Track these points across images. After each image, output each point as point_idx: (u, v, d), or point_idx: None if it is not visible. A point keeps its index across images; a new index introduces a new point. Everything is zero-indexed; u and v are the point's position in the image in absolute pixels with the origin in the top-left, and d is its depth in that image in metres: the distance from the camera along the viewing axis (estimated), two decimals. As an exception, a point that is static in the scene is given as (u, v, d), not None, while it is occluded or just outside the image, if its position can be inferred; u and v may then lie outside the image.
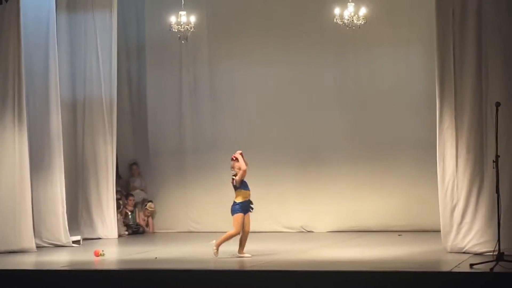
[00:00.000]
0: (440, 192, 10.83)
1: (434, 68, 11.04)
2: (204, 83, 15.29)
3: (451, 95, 10.71)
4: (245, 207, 10.75)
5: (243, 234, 10.80)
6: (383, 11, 13.86)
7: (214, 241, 10.77)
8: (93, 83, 14.31)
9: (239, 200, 10.76)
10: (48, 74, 13.03)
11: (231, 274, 9.49)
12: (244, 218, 10.74)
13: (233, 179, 10.79)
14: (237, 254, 10.80)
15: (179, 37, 13.15)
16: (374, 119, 14.38)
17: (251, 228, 14.62)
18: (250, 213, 10.85)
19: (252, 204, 10.84)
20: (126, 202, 15.09)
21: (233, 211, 10.75)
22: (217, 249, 10.73)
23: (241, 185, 10.75)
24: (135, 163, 15.53)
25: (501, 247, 9.42)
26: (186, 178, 15.33)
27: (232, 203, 10.80)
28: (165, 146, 15.46)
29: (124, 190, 15.32)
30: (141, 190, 15.46)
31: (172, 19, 13.15)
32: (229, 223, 14.80)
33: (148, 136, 15.60)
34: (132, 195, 15.20)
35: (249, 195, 10.79)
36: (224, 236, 10.80)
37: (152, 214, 15.35)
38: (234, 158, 10.83)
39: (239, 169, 10.72)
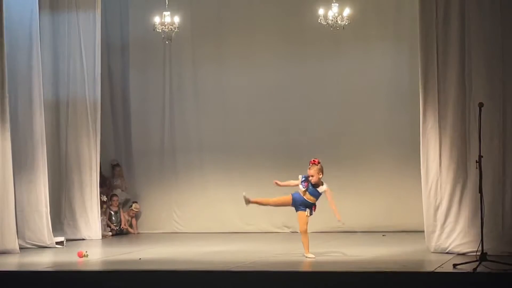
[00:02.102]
0: (424, 192, 10.86)
1: (416, 67, 11.09)
2: (187, 84, 15.28)
3: (434, 95, 10.75)
4: None
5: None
6: (367, 11, 13.91)
7: (308, 255, 10.64)
8: (77, 83, 14.25)
9: None
10: (31, 74, 12.96)
11: (215, 274, 9.48)
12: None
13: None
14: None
15: (163, 38, 13.13)
16: (358, 119, 14.41)
17: (237, 229, 14.78)
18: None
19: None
20: (110, 202, 15.06)
21: None
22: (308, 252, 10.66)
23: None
24: (118, 164, 15.48)
25: (484, 247, 9.45)
26: (170, 178, 15.30)
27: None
28: (148, 146, 15.44)
29: (107, 191, 15.27)
30: (122, 190, 15.41)
31: (156, 19, 13.13)
32: (213, 223, 14.94)
33: (131, 136, 15.57)
34: (116, 195, 15.16)
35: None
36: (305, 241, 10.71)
37: (136, 215, 15.31)
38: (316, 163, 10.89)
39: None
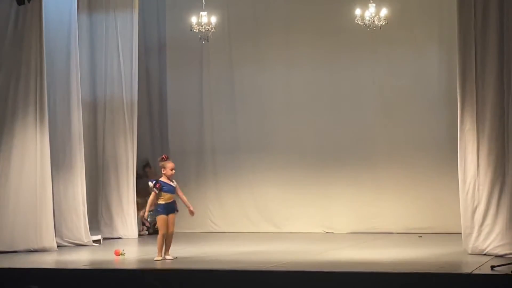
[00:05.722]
0: (461, 194, 10.77)
1: (453, 68, 11.01)
2: (224, 84, 15.30)
3: (472, 96, 10.65)
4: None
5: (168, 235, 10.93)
6: (403, 12, 13.80)
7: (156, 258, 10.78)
8: (114, 83, 14.36)
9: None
10: (69, 74, 13.10)
11: (250, 274, 9.49)
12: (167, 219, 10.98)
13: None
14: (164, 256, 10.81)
15: (200, 38, 13.17)
16: (394, 120, 14.33)
17: (273, 229, 14.73)
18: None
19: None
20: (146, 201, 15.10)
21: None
22: (161, 254, 10.80)
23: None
24: (148, 165, 15.46)
25: (522, 249, 9.39)
26: (206, 178, 15.33)
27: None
28: (185, 147, 15.47)
29: (142, 191, 15.30)
30: None
31: (193, 19, 13.16)
32: (249, 222, 14.96)
33: (168, 136, 15.63)
34: (152, 195, 15.18)
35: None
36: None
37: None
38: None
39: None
